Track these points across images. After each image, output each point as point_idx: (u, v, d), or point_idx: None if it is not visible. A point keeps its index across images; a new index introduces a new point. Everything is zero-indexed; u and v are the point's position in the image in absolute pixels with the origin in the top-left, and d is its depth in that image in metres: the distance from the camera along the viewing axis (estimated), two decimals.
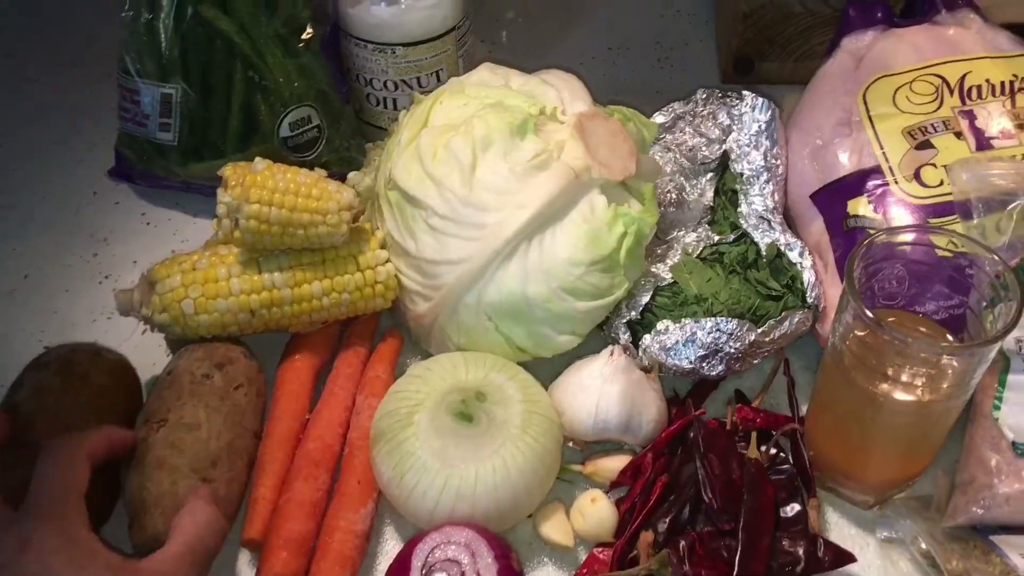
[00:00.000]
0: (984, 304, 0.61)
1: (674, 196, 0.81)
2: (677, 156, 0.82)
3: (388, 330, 0.77)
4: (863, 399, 0.60)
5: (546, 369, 0.72)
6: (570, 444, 0.70)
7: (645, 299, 0.72)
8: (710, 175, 0.81)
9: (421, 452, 0.63)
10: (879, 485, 0.66)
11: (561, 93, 0.74)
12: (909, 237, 0.61)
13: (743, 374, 0.73)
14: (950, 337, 0.62)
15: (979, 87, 0.72)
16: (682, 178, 0.81)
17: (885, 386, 0.59)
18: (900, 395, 0.59)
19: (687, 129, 0.82)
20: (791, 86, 0.95)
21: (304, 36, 0.80)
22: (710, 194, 0.81)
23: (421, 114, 0.73)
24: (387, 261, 0.71)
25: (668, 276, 0.74)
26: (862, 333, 0.58)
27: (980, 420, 0.65)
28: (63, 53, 1.03)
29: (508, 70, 0.77)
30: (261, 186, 0.67)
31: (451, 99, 0.73)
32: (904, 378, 0.58)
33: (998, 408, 0.64)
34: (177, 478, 0.62)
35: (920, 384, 0.58)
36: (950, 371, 0.57)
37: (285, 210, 0.67)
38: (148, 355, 0.75)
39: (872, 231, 0.69)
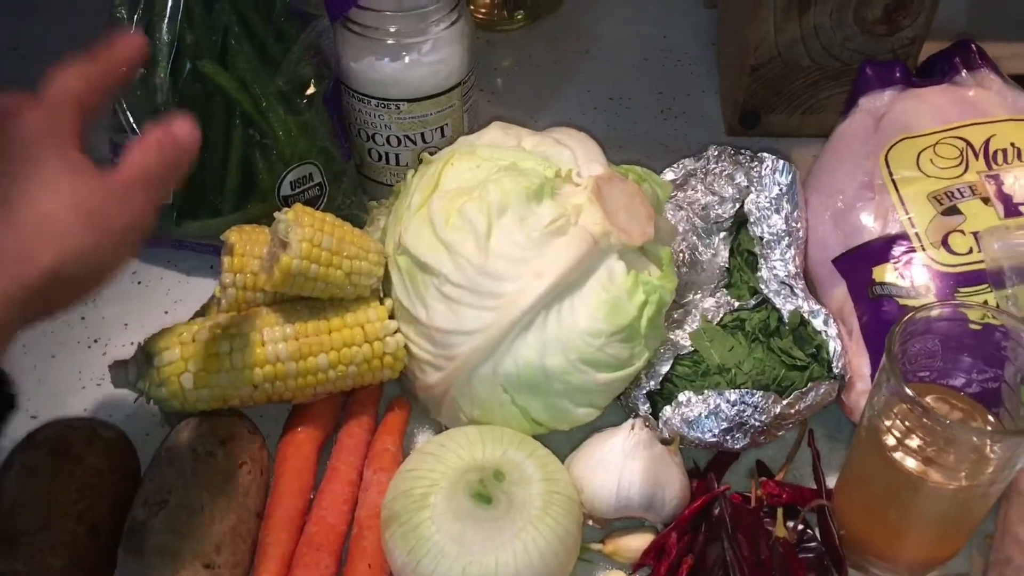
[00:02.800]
0: (1020, 378, 0.59)
1: (687, 256, 0.79)
2: (689, 215, 0.80)
3: (395, 399, 0.74)
4: (901, 479, 0.58)
5: (562, 440, 0.69)
6: (589, 522, 0.67)
7: (665, 369, 0.69)
8: (723, 234, 0.79)
9: (438, 536, 0.60)
10: (914, 565, 0.63)
11: (576, 154, 0.71)
12: (947, 312, 0.59)
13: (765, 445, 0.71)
14: (988, 415, 0.60)
15: (1004, 151, 0.71)
16: (695, 237, 0.79)
17: (926, 468, 0.57)
18: (941, 477, 0.56)
19: (699, 187, 0.80)
20: (798, 139, 0.94)
21: (307, 93, 0.77)
22: (724, 254, 0.78)
23: (432, 176, 0.70)
24: (396, 331, 0.68)
25: (688, 344, 0.71)
26: (902, 412, 0.56)
27: (1015, 498, 0.62)
28: None
29: (519, 129, 0.75)
30: (311, 214, 0.65)
31: (462, 161, 0.70)
32: (947, 460, 0.56)
33: None
34: (179, 566, 0.59)
35: (963, 467, 0.56)
36: (994, 455, 0.55)
37: (335, 238, 0.65)
38: (142, 425, 0.72)
39: (899, 299, 0.68)
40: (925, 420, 0.54)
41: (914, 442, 0.56)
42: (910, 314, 0.57)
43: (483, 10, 1.13)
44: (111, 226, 0.50)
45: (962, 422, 0.59)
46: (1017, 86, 0.76)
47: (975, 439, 0.55)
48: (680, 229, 0.79)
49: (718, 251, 0.79)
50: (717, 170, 0.80)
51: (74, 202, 0.49)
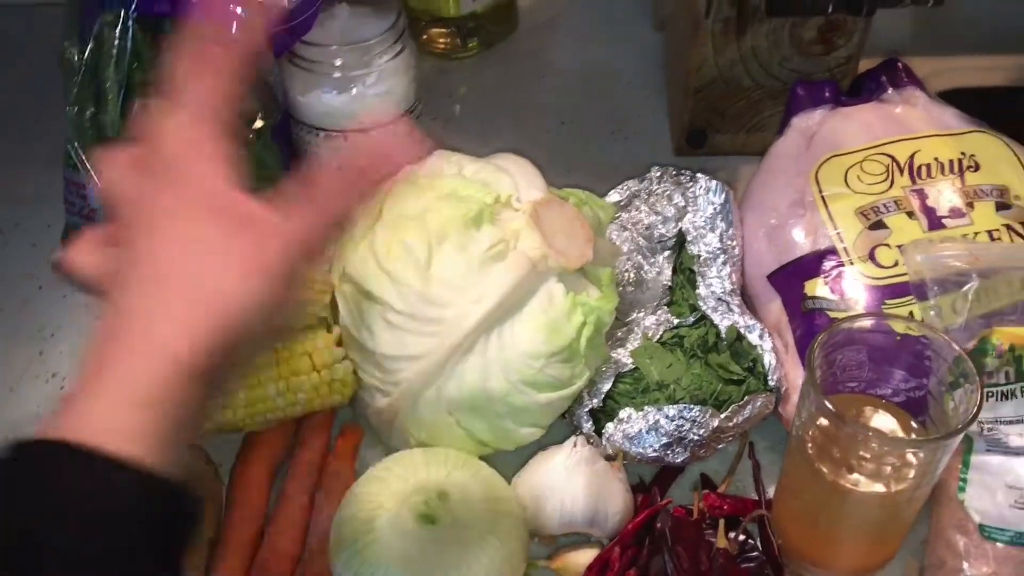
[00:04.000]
0: (943, 388, 0.61)
1: (632, 275, 0.81)
2: (634, 235, 0.82)
3: (346, 424, 0.75)
4: (829, 488, 0.59)
5: (509, 459, 0.70)
6: (535, 539, 0.68)
7: (607, 387, 0.71)
8: (667, 253, 0.81)
9: (384, 559, 0.61)
10: (850, 572, 0.65)
11: (516, 179, 0.73)
12: (868, 323, 0.61)
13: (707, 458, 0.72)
14: (913, 423, 0.62)
15: (928, 166, 0.73)
16: (640, 257, 0.81)
17: (851, 476, 0.58)
18: (866, 485, 0.58)
19: (643, 207, 0.82)
20: (744, 157, 0.96)
21: (255, 127, 0.79)
22: (668, 272, 0.80)
23: (374, 207, 0.72)
24: (344, 358, 0.70)
25: (629, 361, 0.73)
26: (825, 423, 0.58)
27: (946, 502, 0.64)
28: (2, 141, 1.01)
29: (461, 156, 0.76)
30: None
31: (403, 191, 0.72)
32: (870, 468, 0.58)
33: (963, 490, 0.64)
34: None
35: (886, 474, 0.58)
36: (915, 461, 0.57)
37: None
38: None
39: (830, 312, 0.69)
40: (843, 430, 0.56)
41: (837, 451, 0.58)
42: (830, 327, 0.59)
43: (440, 40, 1.15)
44: (276, 279, 0.43)
45: (874, 431, 0.60)
46: (942, 101, 0.78)
47: (887, 447, 0.57)
48: (625, 249, 0.81)
49: (662, 270, 0.81)
50: (659, 191, 0.82)
51: (231, 258, 0.42)
